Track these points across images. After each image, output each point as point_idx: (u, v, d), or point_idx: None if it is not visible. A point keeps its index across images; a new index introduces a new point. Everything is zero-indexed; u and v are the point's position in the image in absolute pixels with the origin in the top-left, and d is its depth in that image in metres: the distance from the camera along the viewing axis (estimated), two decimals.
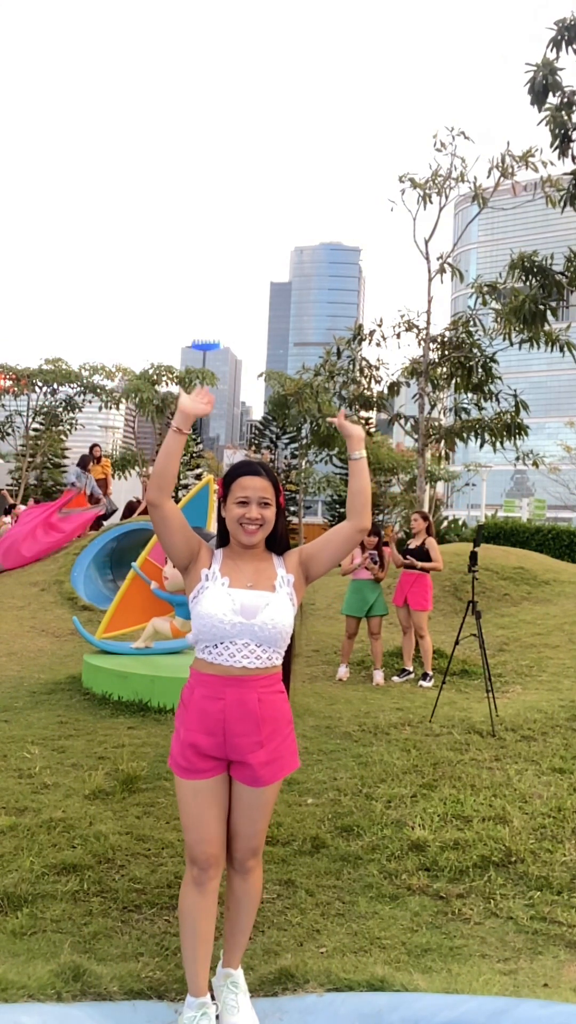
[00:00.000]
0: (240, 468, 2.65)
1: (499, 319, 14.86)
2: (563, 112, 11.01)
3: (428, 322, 15.82)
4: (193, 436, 42.31)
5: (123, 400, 31.19)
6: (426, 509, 22.12)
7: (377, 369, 16.51)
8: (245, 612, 2.54)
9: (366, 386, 16.78)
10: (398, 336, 15.95)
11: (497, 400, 15.58)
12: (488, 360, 15.34)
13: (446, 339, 15.81)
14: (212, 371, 33.80)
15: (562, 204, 12.07)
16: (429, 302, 16.03)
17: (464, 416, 16.22)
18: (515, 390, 15.71)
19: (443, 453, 21.51)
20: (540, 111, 10.98)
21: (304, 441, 36.55)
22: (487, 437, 15.53)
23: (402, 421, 16.93)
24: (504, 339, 14.96)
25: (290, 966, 2.91)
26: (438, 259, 15.80)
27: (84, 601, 11.58)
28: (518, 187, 15.96)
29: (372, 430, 33.61)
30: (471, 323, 15.71)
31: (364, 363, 16.69)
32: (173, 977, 2.87)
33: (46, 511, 14.07)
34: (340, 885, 3.66)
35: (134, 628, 8.09)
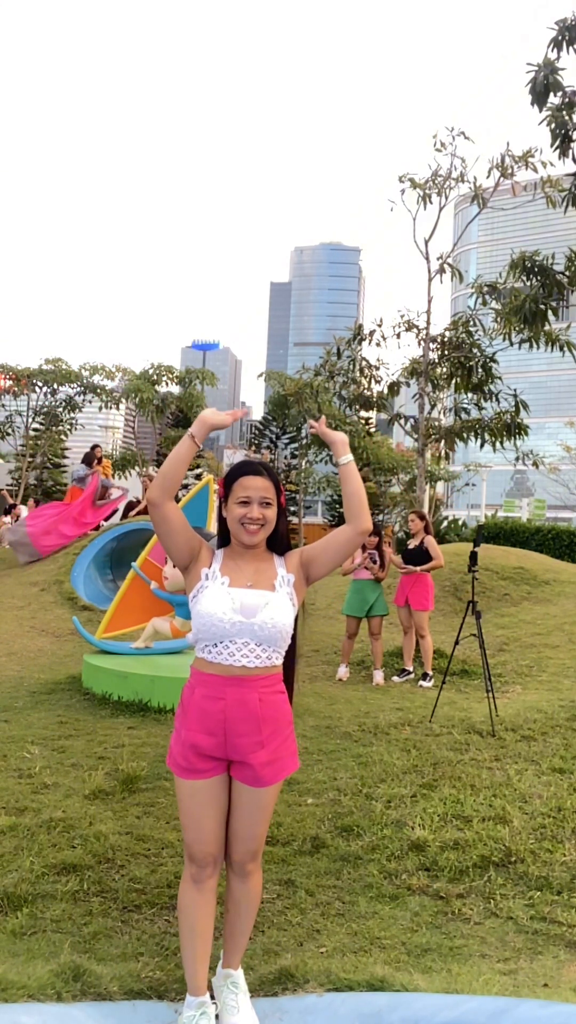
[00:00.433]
0: (241, 468, 2.65)
1: (499, 319, 14.86)
2: (564, 112, 11.01)
3: (428, 322, 15.84)
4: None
5: (123, 400, 31.18)
6: (426, 509, 22.13)
7: (377, 369, 16.52)
8: (245, 611, 2.54)
9: (366, 386, 16.79)
10: (398, 336, 15.97)
11: (497, 400, 15.59)
12: (488, 360, 15.35)
13: (446, 339, 15.81)
14: (212, 371, 33.81)
15: (564, 205, 12.06)
16: (429, 302, 16.04)
17: (464, 416, 16.22)
18: (515, 390, 15.72)
19: (443, 453, 21.52)
20: (541, 111, 10.98)
21: (304, 441, 36.59)
22: (487, 437, 15.54)
23: (402, 421, 16.93)
24: (504, 339, 14.96)
25: (290, 966, 2.91)
26: (438, 259, 15.81)
27: (84, 601, 11.58)
28: (518, 187, 15.97)
29: (372, 430, 33.59)
30: (471, 323, 15.71)
31: (364, 363, 16.69)
32: (173, 977, 2.87)
33: (80, 504, 14.26)
34: (340, 885, 3.66)
35: (134, 628, 8.09)
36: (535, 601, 11.30)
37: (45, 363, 29.16)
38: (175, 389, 33.04)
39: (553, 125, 11.08)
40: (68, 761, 5.20)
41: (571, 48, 10.75)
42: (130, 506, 16.57)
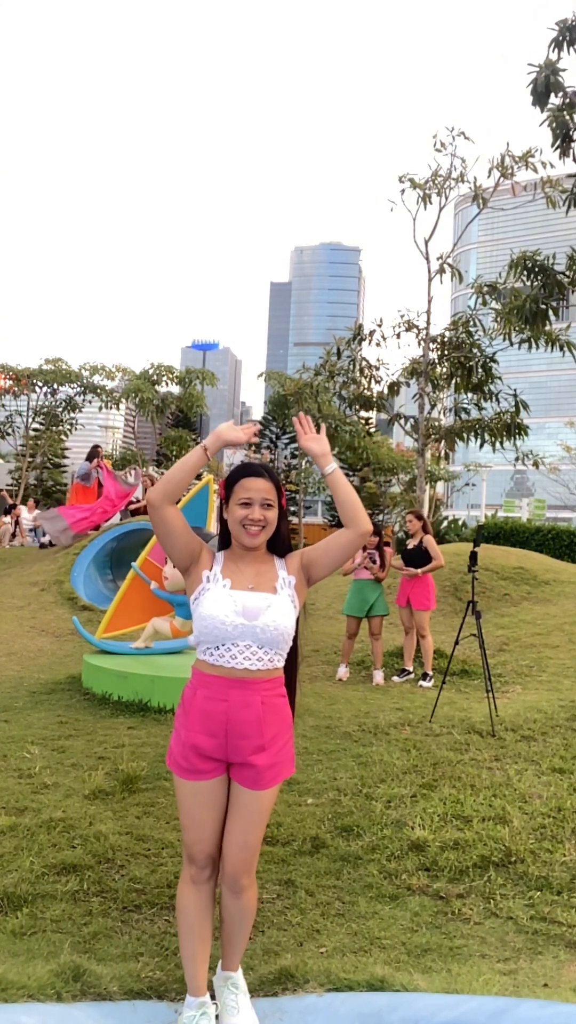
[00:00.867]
0: (243, 470, 2.65)
1: (499, 319, 14.87)
2: (564, 112, 11.02)
3: (428, 322, 15.85)
4: (193, 436, 42.31)
5: (123, 400, 31.19)
6: (426, 509, 22.14)
7: (377, 369, 16.52)
8: (247, 614, 2.54)
9: (366, 386, 16.79)
10: (398, 336, 15.98)
11: (497, 400, 15.59)
12: (488, 360, 15.35)
13: (446, 339, 15.82)
14: (212, 371, 33.83)
15: (566, 206, 12.06)
16: (429, 302, 16.05)
17: (464, 416, 16.23)
18: (515, 390, 15.72)
19: (443, 453, 21.52)
20: (542, 112, 10.98)
21: None
22: (487, 437, 15.55)
23: (402, 421, 16.94)
24: (504, 339, 14.96)
25: (290, 966, 2.91)
26: (438, 259, 15.82)
27: (84, 601, 11.58)
28: (518, 187, 15.98)
29: (372, 430, 33.61)
30: (471, 323, 15.72)
31: (364, 363, 16.69)
32: (173, 977, 2.87)
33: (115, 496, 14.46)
34: (340, 885, 3.66)
35: (134, 628, 8.09)
36: (535, 601, 11.31)
37: (45, 363, 29.19)
38: (175, 389, 33.08)
39: (554, 125, 11.09)
40: (68, 761, 5.20)
41: (572, 48, 10.76)
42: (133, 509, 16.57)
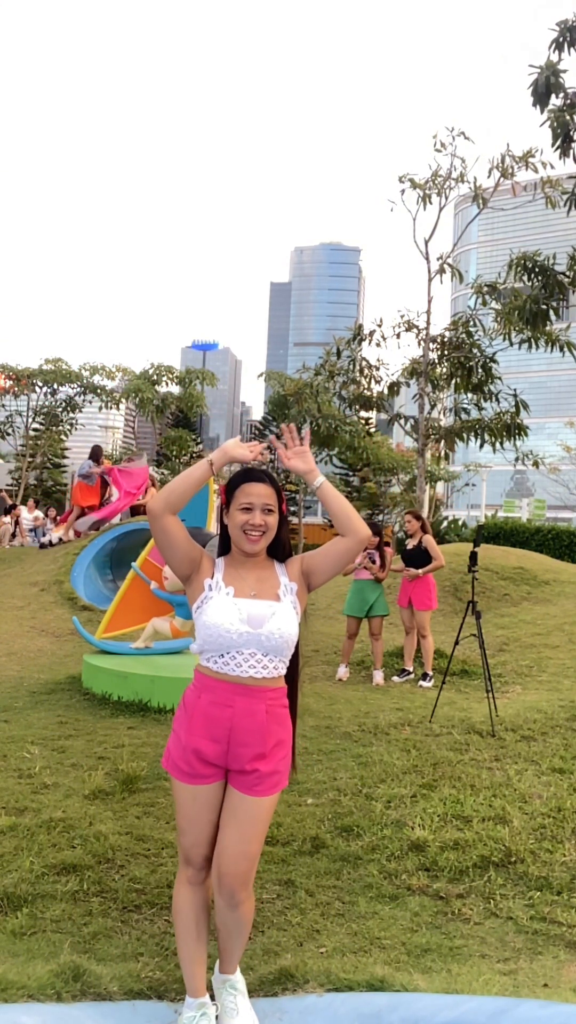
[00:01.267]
0: (244, 475, 2.62)
1: (499, 319, 14.88)
2: (565, 113, 11.01)
3: (428, 322, 15.86)
4: (193, 436, 42.33)
5: (123, 400, 31.17)
6: (426, 509, 22.14)
7: (377, 369, 16.53)
8: (252, 622, 2.52)
9: (366, 386, 16.81)
10: (398, 336, 15.99)
11: (497, 400, 15.60)
12: (488, 360, 15.36)
13: (446, 339, 15.83)
14: (212, 371, 33.84)
15: (567, 207, 12.06)
16: (429, 302, 16.06)
17: (464, 416, 16.24)
18: (515, 390, 15.73)
19: (443, 453, 21.55)
20: (543, 112, 10.98)
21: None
22: (487, 437, 15.55)
23: (402, 421, 16.94)
24: (504, 339, 14.97)
25: (290, 966, 2.91)
26: (438, 259, 15.83)
27: (84, 601, 11.58)
28: (518, 187, 15.98)
29: (372, 430, 33.63)
30: (471, 323, 15.72)
31: (364, 363, 16.71)
32: (173, 977, 2.86)
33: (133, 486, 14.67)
34: (340, 885, 3.66)
35: (134, 628, 8.09)
36: (535, 601, 11.31)
37: (45, 363, 29.19)
38: (175, 389, 33.10)
39: (555, 126, 11.09)
40: (68, 761, 5.20)
41: (572, 49, 10.76)
42: (134, 509, 16.57)
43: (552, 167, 14.56)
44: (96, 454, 15.30)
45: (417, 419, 16.00)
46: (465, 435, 15.84)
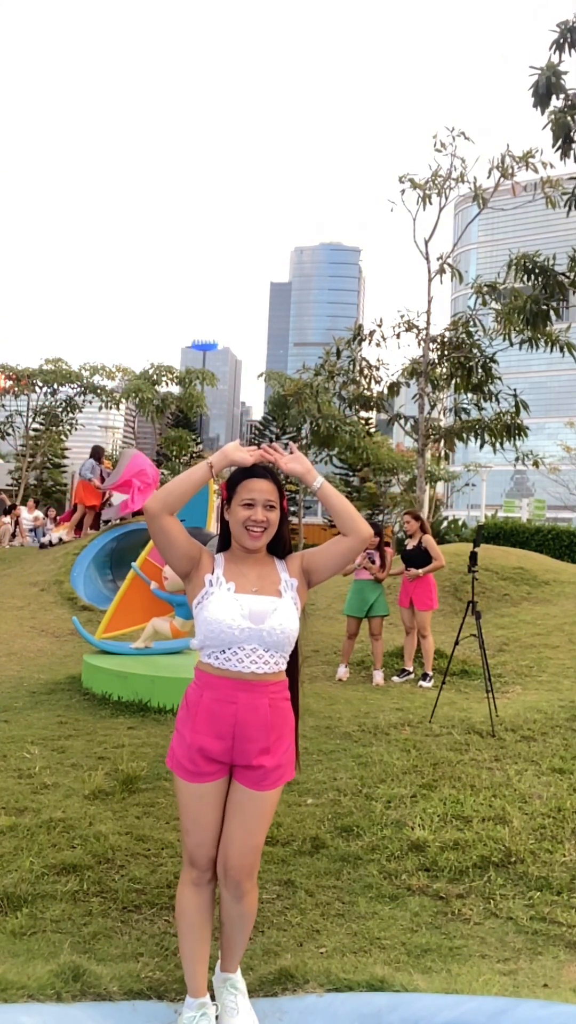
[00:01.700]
0: (246, 471, 2.61)
1: (499, 319, 14.88)
2: (566, 114, 11.01)
3: (428, 322, 15.87)
4: (193, 436, 42.33)
5: (123, 400, 31.16)
6: (426, 509, 22.14)
7: (377, 369, 16.54)
8: (253, 618, 2.52)
9: (366, 386, 16.81)
10: (398, 336, 15.99)
11: (497, 400, 15.60)
12: (488, 360, 15.36)
13: (446, 339, 15.83)
14: (212, 371, 33.84)
15: (567, 208, 12.06)
16: (429, 302, 16.06)
17: (464, 416, 16.24)
18: (515, 390, 15.73)
19: (443, 453, 21.55)
20: (543, 113, 10.98)
21: (304, 441, 36.56)
22: (487, 437, 15.55)
23: (402, 421, 16.95)
24: (504, 339, 14.97)
25: (290, 966, 2.91)
26: (438, 259, 15.83)
27: (84, 601, 11.58)
28: (518, 188, 15.98)
29: (372, 430, 33.63)
30: (471, 323, 15.73)
31: (364, 363, 16.71)
32: (173, 977, 2.86)
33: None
34: (340, 885, 3.66)
35: (134, 628, 8.09)
36: (535, 601, 11.31)
37: (45, 363, 29.17)
38: (175, 389, 33.09)
39: (555, 127, 11.08)
40: (68, 761, 5.20)
41: (572, 50, 10.75)
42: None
43: (552, 167, 14.57)
44: (97, 454, 15.27)
45: (417, 419, 16.00)
46: (465, 435, 15.85)
